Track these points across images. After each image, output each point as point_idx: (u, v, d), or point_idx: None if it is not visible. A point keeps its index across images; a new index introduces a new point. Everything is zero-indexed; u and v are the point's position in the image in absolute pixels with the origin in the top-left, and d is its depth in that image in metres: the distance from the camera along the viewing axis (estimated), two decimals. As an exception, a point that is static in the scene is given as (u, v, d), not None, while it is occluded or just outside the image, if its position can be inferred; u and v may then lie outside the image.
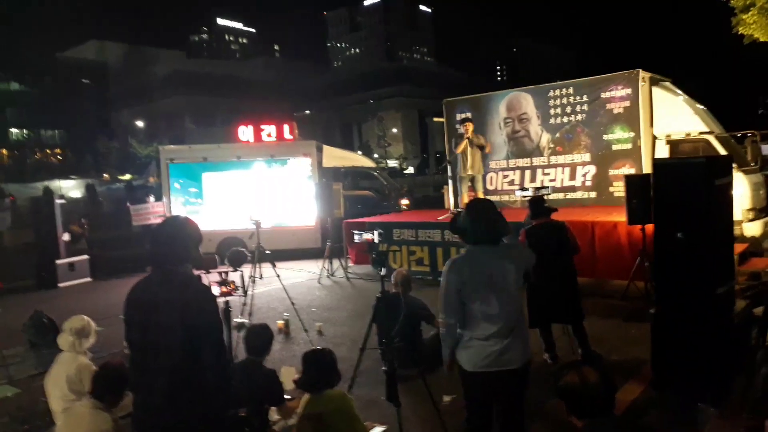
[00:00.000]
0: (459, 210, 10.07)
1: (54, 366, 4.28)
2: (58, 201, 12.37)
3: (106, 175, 54.82)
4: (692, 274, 4.48)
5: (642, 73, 10.01)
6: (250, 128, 14.03)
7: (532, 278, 5.25)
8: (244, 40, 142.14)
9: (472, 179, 10.16)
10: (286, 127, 13.95)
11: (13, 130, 69.91)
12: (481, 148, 10.08)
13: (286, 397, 4.19)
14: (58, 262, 11.64)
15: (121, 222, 15.17)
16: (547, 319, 5.60)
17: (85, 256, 12.30)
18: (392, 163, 64.23)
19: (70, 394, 4.06)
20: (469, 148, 9.96)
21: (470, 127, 10.07)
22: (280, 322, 7.28)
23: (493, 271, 3.18)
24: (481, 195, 10.16)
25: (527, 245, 5.35)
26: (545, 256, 4.86)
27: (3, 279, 11.73)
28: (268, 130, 13.88)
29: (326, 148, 14.30)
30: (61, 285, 11.50)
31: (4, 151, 66.90)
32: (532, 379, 3.36)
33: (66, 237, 11.96)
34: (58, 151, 71.69)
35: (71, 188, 44.69)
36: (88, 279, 12.07)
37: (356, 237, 5.17)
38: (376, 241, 4.80)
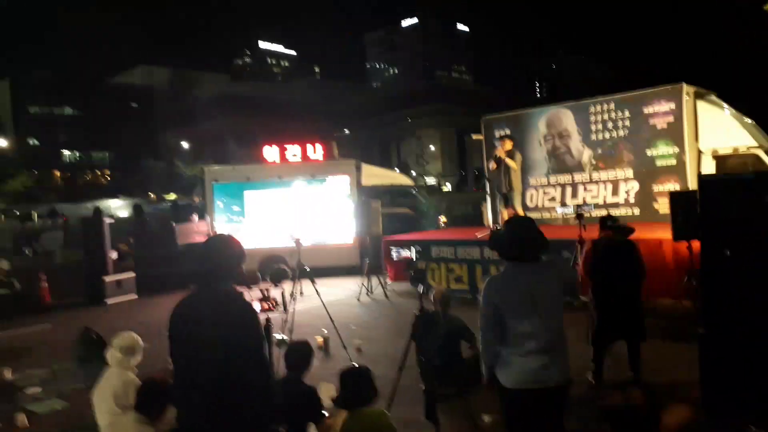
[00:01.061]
0: (498, 227, 9.99)
1: (101, 381, 4.40)
2: (107, 220, 12.80)
3: (152, 195, 56.53)
4: (741, 293, 4.33)
5: (686, 87, 9.80)
6: (292, 147, 14.26)
7: (598, 296, 5.28)
8: (286, 63, 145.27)
9: (512, 197, 10.05)
10: (324, 147, 14.14)
11: (66, 153, 72.92)
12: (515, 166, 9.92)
13: (325, 414, 4.20)
14: (106, 279, 11.99)
15: (167, 240, 15.58)
16: (612, 337, 5.66)
17: (132, 274, 12.65)
18: (431, 180, 64.21)
19: (116, 408, 4.15)
20: (504, 166, 9.86)
21: (507, 144, 9.92)
22: (320, 339, 7.33)
23: (531, 287, 3.15)
24: (521, 212, 10.06)
25: (593, 258, 5.52)
26: (613, 274, 4.86)
27: (54, 296, 12.18)
28: (309, 150, 14.10)
29: (365, 167, 14.43)
30: (108, 301, 11.84)
31: (58, 173, 69.74)
32: (573, 398, 3.30)
33: (114, 255, 12.33)
34: (107, 172, 74.37)
35: (119, 208, 46.21)
36: (134, 296, 12.39)
37: (394, 254, 5.20)
38: (414, 258, 4.81)
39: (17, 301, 11.39)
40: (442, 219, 15.31)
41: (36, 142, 68.78)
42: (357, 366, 3.87)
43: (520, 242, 3.23)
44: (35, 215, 35.36)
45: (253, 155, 14.18)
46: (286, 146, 14.30)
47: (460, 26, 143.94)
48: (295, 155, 14.18)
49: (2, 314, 10.69)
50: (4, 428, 5.40)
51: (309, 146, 14.19)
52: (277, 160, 14.33)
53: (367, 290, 10.87)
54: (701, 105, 9.87)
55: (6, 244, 24.23)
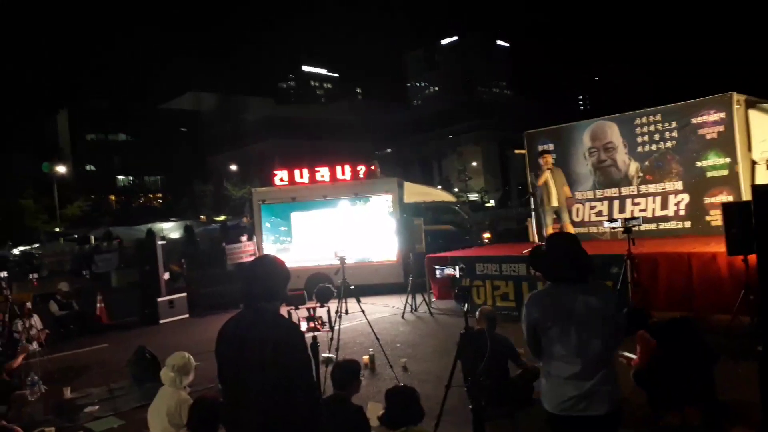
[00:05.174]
0: (539, 243, 9.85)
1: (156, 399, 4.54)
2: (160, 242, 13.22)
3: (202, 217, 57.90)
4: (802, 308, 4.15)
5: (736, 96, 9.52)
6: (336, 168, 14.45)
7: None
8: (328, 85, 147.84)
9: (557, 212, 9.93)
10: (369, 167, 14.27)
11: (120, 177, 75.78)
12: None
13: (372, 433, 4.22)
14: (159, 299, 12.35)
15: (217, 261, 15.96)
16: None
17: (184, 294, 12.99)
18: (473, 196, 63.72)
19: (170, 427, 4.28)
20: (550, 180, 9.78)
21: (549, 158, 9.94)
22: (366, 358, 7.36)
23: (574, 307, 2.99)
24: (569, 227, 9.91)
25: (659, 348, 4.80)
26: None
27: (111, 316, 12.62)
28: (352, 170, 14.25)
29: (407, 185, 14.48)
30: (162, 321, 12.18)
31: (113, 197, 72.46)
32: (629, 418, 3.16)
33: (166, 276, 12.71)
34: (158, 195, 76.81)
35: (171, 230, 47.48)
36: (186, 315, 12.71)
37: (438, 272, 5.19)
38: (458, 275, 4.80)
39: (76, 322, 11.85)
40: (486, 235, 15.17)
41: (92, 168, 71.75)
42: (403, 385, 3.88)
43: (564, 262, 3.09)
44: (92, 238, 36.75)
45: (299, 176, 14.39)
46: (330, 166, 14.50)
47: (500, 42, 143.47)
48: (340, 175, 14.34)
49: (62, 334, 11.14)
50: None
51: (352, 166, 14.35)
52: (323, 180, 14.51)
53: (412, 308, 10.86)
54: (753, 113, 9.56)
55: (65, 266, 25.25)
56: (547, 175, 9.79)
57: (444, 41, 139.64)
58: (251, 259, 11.59)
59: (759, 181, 9.11)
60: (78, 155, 68.61)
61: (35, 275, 9.15)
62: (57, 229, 42.20)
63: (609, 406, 2.96)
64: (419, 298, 10.93)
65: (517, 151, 14.31)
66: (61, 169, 48.12)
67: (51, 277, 18.01)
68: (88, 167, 70.97)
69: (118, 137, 75.00)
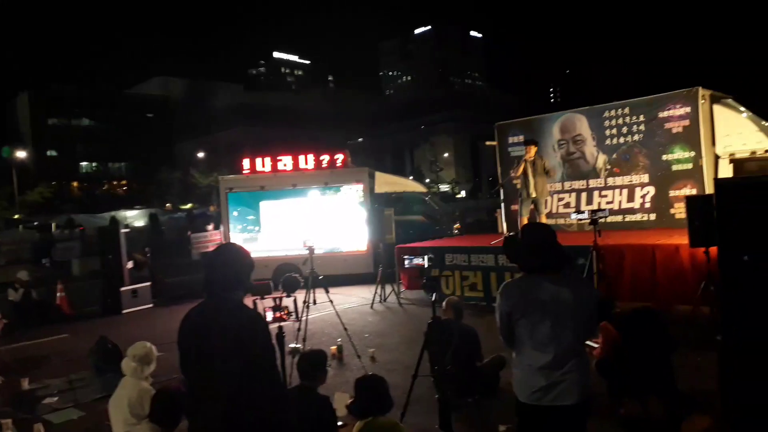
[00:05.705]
0: (512, 233, 9.92)
1: (117, 390, 4.43)
2: (123, 230, 12.92)
3: (168, 205, 56.99)
4: (761, 299, 4.24)
5: (702, 91, 9.71)
6: (305, 157, 14.30)
7: None
8: (300, 72, 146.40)
9: (535, 202, 10.01)
10: (339, 156, 14.17)
11: (83, 164, 73.95)
12: (546, 172, 9.93)
13: (339, 423, 4.18)
14: (122, 289, 12.08)
15: (183, 250, 15.69)
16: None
17: (148, 283, 12.73)
18: (444, 187, 64.10)
19: (131, 418, 4.18)
20: (530, 171, 9.83)
21: (533, 149, 9.94)
22: (333, 348, 7.32)
23: (547, 297, 2.99)
24: (543, 218, 9.99)
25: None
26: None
27: (72, 306, 12.30)
28: (323, 159, 14.13)
29: (378, 174, 14.43)
30: (124, 311, 11.92)
31: (75, 184, 70.72)
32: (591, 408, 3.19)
33: (130, 265, 12.44)
34: (123, 182, 75.25)
35: (135, 218, 46.62)
36: (150, 305, 12.46)
37: (407, 262, 5.17)
38: (426, 266, 4.78)
39: (35, 311, 11.52)
40: (456, 226, 15.23)
41: (54, 154, 69.84)
42: (373, 375, 3.85)
43: (538, 255, 3.07)
44: (54, 226, 35.82)
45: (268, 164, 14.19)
46: (300, 155, 14.36)
47: (474, 33, 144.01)
48: (308, 164, 14.21)
49: (21, 324, 10.82)
50: (21, 438, 5.45)
51: (322, 155, 14.22)
52: (292, 169, 14.35)
53: (381, 298, 10.85)
54: (718, 108, 9.76)
55: (25, 254, 24.56)
56: (524, 166, 9.86)
57: (417, 30, 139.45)
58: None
59: (722, 175, 9.33)
60: (40, 140, 66.69)
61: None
62: (16, 216, 41.00)
63: (578, 396, 2.98)
64: (388, 289, 10.93)
65: (487, 143, 14.36)
66: (21, 154, 46.72)
67: (9, 265, 17.50)
68: (50, 153, 69.07)
69: (81, 122, 73.09)
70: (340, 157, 14.10)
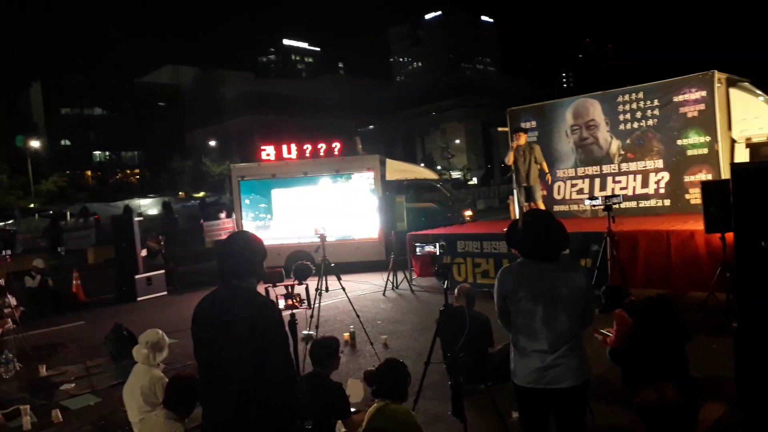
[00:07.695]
0: (514, 220, 9.88)
1: (130, 377, 4.47)
2: (137, 218, 13.02)
3: (181, 193, 57.34)
4: (778, 286, 4.20)
5: (717, 74, 9.53)
6: (316, 145, 14.29)
7: None
8: (310, 59, 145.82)
9: (528, 190, 9.97)
10: (348, 143, 14.14)
11: (96, 153, 74.49)
12: (537, 162, 9.96)
13: (352, 410, 4.20)
14: (137, 277, 12.20)
15: (196, 238, 15.78)
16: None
17: (162, 271, 12.85)
18: (456, 174, 63.86)
19: (144, 405, 4.22)
20: (521, 159, 9.85)
21: (522, 137, 9.97)
22: (346, 335, 7.35)
23: (543, 283, 3.03)
24: (540, 205, 9.95)
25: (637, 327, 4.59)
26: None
27: (87, 293, 12.45)
28: (334, 146, 14.11)
29: (389, 162, 14.39)
30: (139, 299, 12.05)
31: (89, 173, 71.29)
32: (605, 394, 3.18)
33: (144, 253, 12.54)
34: (136, 171, 75.76)
35: (149, 206, 47.03)
36: (164, 293, 12.59)
37: (418, 249, 5.16)
38: (438, 253, 4.76)
39: (51, 299, 11.67)
40: (468, 213, 15.17)
41: (68, 143, 70.40)
42: (401, 362, 3.86)
43: (536, 240, 3.12)
44: (68, 215, 36.21)
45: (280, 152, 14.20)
46: (311, 143, 14.35)
47: (485, 18, 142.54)
48: (320, 152, 14.20)
49: (37, 312, 10.97)
50: (39, 424, 5.53)
51: (334, 143, 14.21)
52: (303, 157, 14.36)
53: (393, 285, 10.86)
54: (734, 92, 9.59)
55: (40, 243, 24.87)
56: (514, 155, 9.88)
57: (428, 16, 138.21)
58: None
59: (738, 159, 9.19)
60: (53, 130, 67.23)
61: (9, 252, 8.90)
62: (32, 205, 41.47)
63: (574, 379, 3.01)
64: (400, 276, 10.94)
65: (500, 129, 14.26)
66: (35, 143, 47.13)
67: (25, 254, 17.70)
68: (63, 142, 69.67)
69: (94, 112, 73.53)
70: (350, 145, 14.06)
